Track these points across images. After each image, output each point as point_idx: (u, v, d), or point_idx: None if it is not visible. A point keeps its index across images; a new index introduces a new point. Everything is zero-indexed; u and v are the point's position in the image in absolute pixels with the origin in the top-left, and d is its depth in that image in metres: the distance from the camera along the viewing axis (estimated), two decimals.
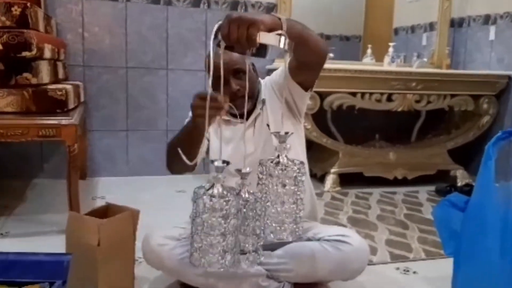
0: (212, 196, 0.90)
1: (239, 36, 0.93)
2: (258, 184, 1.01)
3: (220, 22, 0.96)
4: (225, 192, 0.91)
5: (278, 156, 0.99)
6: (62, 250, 1.39)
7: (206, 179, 1.63)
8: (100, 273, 1.35)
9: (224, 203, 0.89)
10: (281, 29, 1.01)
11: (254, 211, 0.99)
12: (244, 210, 0.97)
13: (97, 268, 1.34)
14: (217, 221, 0.89)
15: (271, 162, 0.99)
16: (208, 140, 1.53)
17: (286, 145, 0.99)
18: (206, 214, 0.89)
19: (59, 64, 2.52)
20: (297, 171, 0.98)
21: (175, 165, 1.42)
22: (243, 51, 0.98)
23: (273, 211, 0.98)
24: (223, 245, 0.90)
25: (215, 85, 1.04)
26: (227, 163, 0.93)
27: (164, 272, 1.50)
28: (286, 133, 1.00)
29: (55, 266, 1.18)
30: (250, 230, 1.00)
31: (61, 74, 2.53)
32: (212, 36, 0.95)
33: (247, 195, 0.98)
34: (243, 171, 0.98)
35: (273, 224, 0.98)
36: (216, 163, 0.92)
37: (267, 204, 0.99)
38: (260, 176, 0.99)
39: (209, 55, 0.98)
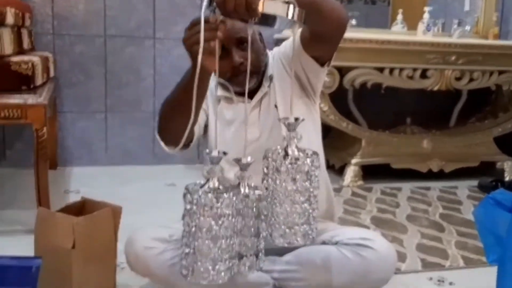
0: (206, 192, 0.90)
1: (236, 4, 0.94)
2: (263, 180, 1.01)
3: None
4: (221, 188, 0.92)
5: (287, 147, 1.00)
6: (30, 253, 1.41)
7: (201, 170, 1.66)
8: (75, 280, 1.38)
9: (215, 200, 0.89)
10: None
11: (253, 209, 1.00)
12: (241, 206, 0.98)
13: (71, 274, 1.37)
14: (206, 221, 0.89)
15: (278, 154, 1.00)
16: (207, 116, 1.54)
17: (297, 134, 1.00)
18: (193, 213, 0.90)
19: (24, 32, 2.53)
20: (310, 164, 0.99)
21: (169, 131, 1.33)
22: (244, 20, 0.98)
23: (281, 211, 0.99)
24: (214, 252, 0.91)
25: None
26: (224, 153, 0.94)
27: (151, 279, 1.53)
28: (297, 119, 1.00)
29: (22, 272, 1.21)
30: (250, 230, 1.01)
31: (26, 44, 2.54)
32: (204, 3, 0.95)
33: (247, 190, 1.00)
34: (243, 160, 0.99)
35: (282, 226, 0.99)
36: (211, 154, 0.93)
37: (275, 201, 0.99)
38: (266, 170, 1.00)
39: (194, 24, 0.99)
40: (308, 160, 0.99)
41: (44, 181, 2.00)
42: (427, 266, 1.95)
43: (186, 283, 1.41)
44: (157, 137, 1.38)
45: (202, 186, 0.92)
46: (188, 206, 0.91)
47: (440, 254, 2.06)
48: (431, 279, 1.86)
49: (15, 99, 1.95)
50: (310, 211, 1.01)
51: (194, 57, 1.04)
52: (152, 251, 1.45)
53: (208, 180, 0.92)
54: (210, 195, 0.90)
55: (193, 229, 0.90)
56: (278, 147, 1.02)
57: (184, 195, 0.92)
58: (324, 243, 1.50)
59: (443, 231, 2.32)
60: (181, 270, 0.94)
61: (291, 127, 1.00)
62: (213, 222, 0.90)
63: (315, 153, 1.01)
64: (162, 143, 1.38)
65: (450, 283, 1.83)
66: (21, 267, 1.22)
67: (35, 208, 1.66)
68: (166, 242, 1.47)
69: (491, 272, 1.41)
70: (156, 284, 1.56)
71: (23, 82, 2.06)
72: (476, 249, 2.07)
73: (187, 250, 0.92)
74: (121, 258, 1.54)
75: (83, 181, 2.81)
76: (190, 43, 1.06)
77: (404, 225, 2.39)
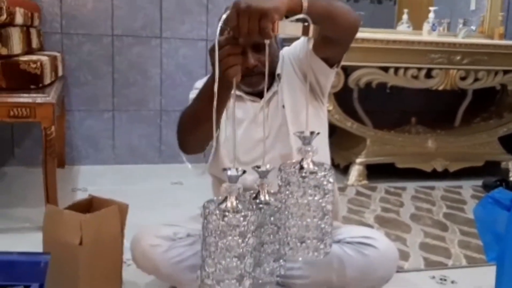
0: (225, 211, 0.89)
1: (250, 29, 0.95)
2: (277, 192, 1.02)
3: (228, 12, 0.98)
4: (240, 206, 0.90)
5: (302, 161, 0.99)
6: (39, 249, 1.43)
7: (206, 168, 1.68)
8: (82, 276, 1.40)
9: (242, 219, 0.88)
10: (301, 10, 1.02)
11: (272, 217, 1.00)
12: (262, 217, 0.98)
13: (78, 270, 1.39)
14: (233, 240, 0.89)
15: (294, 167, 0.99)
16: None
17: (312, 147, 0.98)
18: (221, 234, 0.89)
19: (33, 32, 2.56)
20: (324, 178, 0.97)
21: (191, 141, 1.37)
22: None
23: (293, 224, 0.98)
24: (241, 268, 0.91)
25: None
26: (244, 172, 0.92)
27: (157, 277, 1.55)
28: (312, 133, 0.99)
29: (30, 267, 1.23)
30: (269, 237, 1.01)
31: (35, 44, 2.58)
32: (219, 28, 0.97)
33: (267, 197, 1.00)
34: (262, 168, 0.98)
35: (294, 240, 0.99)
36: (229, 172, 0.91)
37: (287, 214, 0.98)
38: (280, 183, 1.00)
39: (212, 49, 0.99)
40: (323, 175, 0.97)
41: (52, 179, 2.03)
42: (429, 264, 1.97)
43: (190, 279, 1.45)
44: (181, 153, 1.43)
45: (220, 203, 0.91)
46: (213, 227, 0.89)
47: (443, 253, 2.07)
48: (433, 277, 1.87)
49: (24, 98, 1.97)
50: (323, 225, 0.99)
51: (227, 74, 1.03)
52: (157, 249, 1.47)
53: (226, 198, 0.91)
54: (236, 214, 0.89)
55: (219, 249, 0.89)
56: (294, 160, 1.02)
57: (206, 215, 0.91)
58: None
59: (447, 230, 2.33)
60: None
61: (306, 141, 0.99)
62: (240, 241, 0.89)
63: (330, 167, 1.00)
64: (185, 159, 1.42)
65: (452, 282, 1.84)
66: (30, 262, 1.24)
67: (44, 206, 1.69)
68: (171, 240, 1.49)
69: (493, 271, 1.42)
70: (162, 281, 1.58)
71: (32, 81, 2.08)
72: (479, 248, 2.08)
73: (212, 270, 0.91)
74: (127, 255, 1.57)
75: (90, 180, 2.84)
76: (226, 62, 1.02)
77: (408, 224, 2.40)
